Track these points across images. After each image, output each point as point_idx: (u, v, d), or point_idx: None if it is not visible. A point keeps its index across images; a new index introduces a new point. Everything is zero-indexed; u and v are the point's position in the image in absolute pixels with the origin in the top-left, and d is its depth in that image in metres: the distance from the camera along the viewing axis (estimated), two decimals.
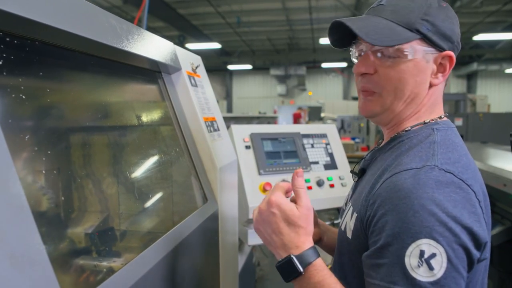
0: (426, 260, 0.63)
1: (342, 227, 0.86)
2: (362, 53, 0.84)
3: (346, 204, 0.99)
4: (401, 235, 0.65)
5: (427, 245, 0.63)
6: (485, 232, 0.68)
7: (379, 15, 0.80)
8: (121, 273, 0.71)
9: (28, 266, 0.44)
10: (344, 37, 0.85)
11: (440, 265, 0.63)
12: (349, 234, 0.81)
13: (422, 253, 0.63)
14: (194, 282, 1.05)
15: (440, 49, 0.80)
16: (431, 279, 0.62)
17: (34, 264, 0.45)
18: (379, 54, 0.80)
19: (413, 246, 0.64)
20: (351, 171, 0.97)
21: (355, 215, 0.80)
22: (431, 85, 0.83)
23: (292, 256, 0.73)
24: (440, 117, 0.85)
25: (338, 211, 2.12)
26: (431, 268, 0.63)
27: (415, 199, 0.66)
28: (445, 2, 0.82)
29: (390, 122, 0.87)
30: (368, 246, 0.74)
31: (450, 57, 0.81)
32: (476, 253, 0.67)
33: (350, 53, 0.89)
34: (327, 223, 2.33)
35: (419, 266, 0.63)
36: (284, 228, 0.75)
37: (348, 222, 0.83)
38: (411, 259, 0.64)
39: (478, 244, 0.67)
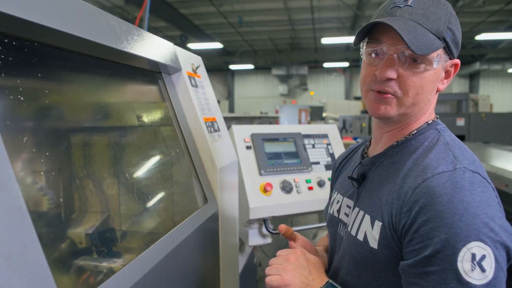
0: (478, 263, 0.64)
1: (360, 237, 0.82)
2: (379, 53, 0.80)
3: (338, 211, 0.97)
4: (450, 240, 0.65)
5: (477, 247, 0.64)
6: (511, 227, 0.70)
7: (411, 19, 0.77)
8: (121, 273, 0.71)
9: (25, 268, 0.44)
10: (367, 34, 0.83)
11: (490, 266, 0.64)
12: (373, 244, 0.79)
13: (473, 256, 0.64)
14: (195, 283, 1.05)
15: (452, 56, 0.82)
16: (485, 281, 0.64)
17: (31, 266, 0.45)
18: (410, 60, 0.77)
19: (464, 250, 0.64)
20: (350, 177, 0.93)
21: (378, 223, 0.78)
22: (437, 91, 0.84)
23: (330, 280, 0.86)
24: (437, 117, 0.88)
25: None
26: (483, 270, 0.64)
27: (458, 203, 0.67)
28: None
29: (398, 124, 0.85)
30: (401, 254, 0.74)
31: (456, 64, 0.83)
32: None
33: (361, 49, 0.86)
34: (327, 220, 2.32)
35: (472, 270, 0.64)
36: (313, 269, 0.88)
37: (369, 231, 0.80)
38: (464, 264, 0.64)
39: None
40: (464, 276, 0.64)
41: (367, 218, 0.82)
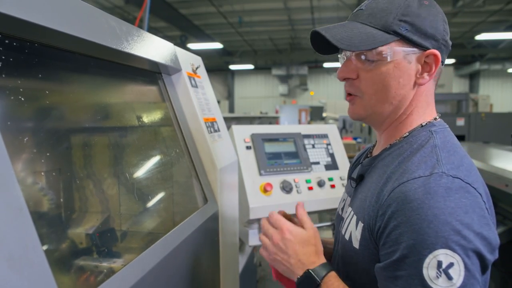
0: (444, 271, 0.63)
1: (346, 237, 0.85)
2: (346, 58, 0.85)
3: (342, 209, 0.99)
4: (417, 247, 0.65)
5: (444, 255, 0.64)
6: (495, 235, 0.69)
7: (357, 20, 0.81)
8: (121, 274, 0.71)
9: (26, 268, 0.44)
10: (330, 44, 0.84)
11: (458, 274, 0.63)
12: (355, 244, 0.80)
13: (439, 263, 0.63)
14: (195, 283, 1.05)
15: (423, 48, 0.79)
16: None
17: (32, 266, 0.46)
18: (362, 58, 0.81)
19: (430, 257, 0.64)
20: (350, 177, 0.96)
21: (360, 224, 0.79)
22: (418, 85, 0.82)
23: (309, 270, 0.81)
24: (435, 118, 0.85)
25: None
26: (449, 278, 0.63)
27: (428, 209, 0.66)
28: (427, 0, 0.81)
29: (383, 124, 0.86)
30: (378, 256, 0.74)
31: (434, 55, 0.79)
32: (490, 257, 0.67)
33: (338, 58, 0.90)
34: (328, 223, 2.33)
35: (437, 277, 0.63)
36: (300, 249, 0.84)
37: (354, 231, 0.82)
38: (429, 271, 0.64)
39: (491, 248, 0.68)
40: (429, 282, 0.63)
41: (354, 218, 0.83)
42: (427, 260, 0.64)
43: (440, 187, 0.68)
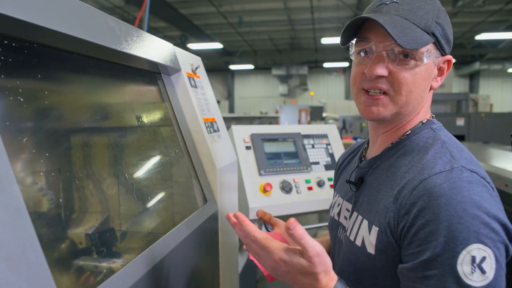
0: (478, 265, 0.63)
1: (358, 243, 0.82)
2: (368, 52, 0.80)
3: (339, 214, 0.95)
4: (449, 244, 0.64)
5: (477, 249, 0.63)
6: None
7: (398, 14, 0.76)
8: (121, 274, 0.71)
9: (25, 268, 0.44)
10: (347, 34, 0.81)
11: (490, 267, 0.63)
12: (371, 250, 0.78)
13: (473, 258, 0.63)
14: (194, 283, 1.05)
15: (443, 53, 0.80)
16: (485, 283, 0.63)
17: (31, 266, 0.46)
18: (400, 56, 0.76)
19: (464, 253, 0.63)
20: (347, 181, 0.92)
21: (375, 228, 0.77)
22: (430, 88, 0.82)
23: None
24: (432, 116, 0.86)
25: None
26: (483, 272, 0.63)
27: (457, 205, 0.65)
28: None
29: (391, 124, 0.85)
30: (399, 258, 0.72)
31: (449, 61, 0.81)
32: (511, 248, 0.68)
33: (350, 50, 0.85)
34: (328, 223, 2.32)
35: (472, 272, 0.63)
36: (301, 279, 0.70)
37: (367, 236, 0.79)
38: (464, 267, 0.63)
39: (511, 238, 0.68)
40: (464, 279, 0.63)
41: (365, 223, 0.81)
42: (461, 257, 0.63)
43: (463, 181, 0.68)
